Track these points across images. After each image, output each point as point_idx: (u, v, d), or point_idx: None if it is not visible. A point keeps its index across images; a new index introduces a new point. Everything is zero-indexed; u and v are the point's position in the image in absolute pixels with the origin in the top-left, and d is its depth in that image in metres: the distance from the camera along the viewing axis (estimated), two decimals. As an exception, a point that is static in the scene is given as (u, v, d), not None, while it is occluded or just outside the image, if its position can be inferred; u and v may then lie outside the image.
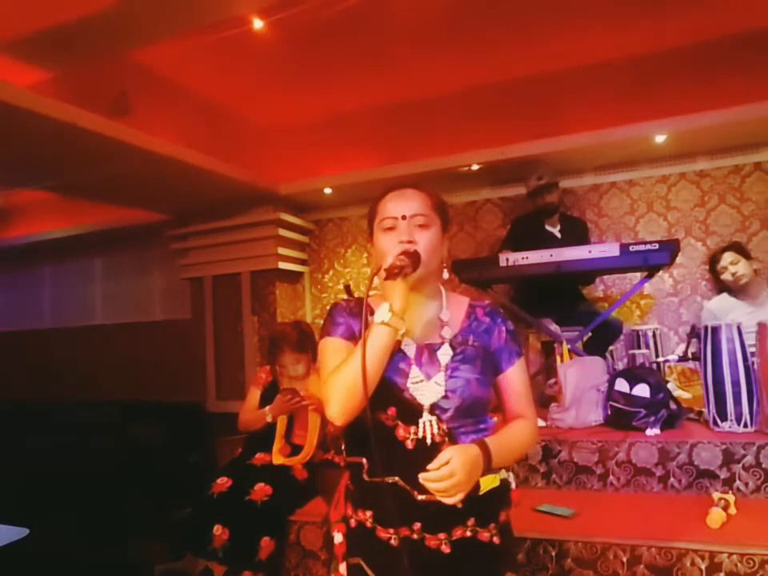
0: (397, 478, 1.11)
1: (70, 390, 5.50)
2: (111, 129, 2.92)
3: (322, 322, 4.28)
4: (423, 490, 1.07)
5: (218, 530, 2.07)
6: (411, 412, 1.13)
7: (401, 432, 1.12)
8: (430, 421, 1.12)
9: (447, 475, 1.00)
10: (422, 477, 1.02)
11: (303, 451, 2.47)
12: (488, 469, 1.08)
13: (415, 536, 1.10)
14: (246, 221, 4.44)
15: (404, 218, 1.17)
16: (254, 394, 2.63)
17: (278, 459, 2.42)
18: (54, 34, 2.79)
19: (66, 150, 3.09)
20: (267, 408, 2.48)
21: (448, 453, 1.02)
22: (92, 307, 5.83)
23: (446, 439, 1.12)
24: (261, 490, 2.21)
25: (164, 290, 5.42)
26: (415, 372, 1.15)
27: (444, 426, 1.13)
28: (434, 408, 1.13)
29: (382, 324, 1.09)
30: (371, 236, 1.26)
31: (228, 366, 4.61)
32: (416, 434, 1.12)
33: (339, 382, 1.09)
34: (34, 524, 2.06)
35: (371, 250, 1.27)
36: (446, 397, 1.13)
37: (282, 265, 4.51)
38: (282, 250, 4.50)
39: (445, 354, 1.17)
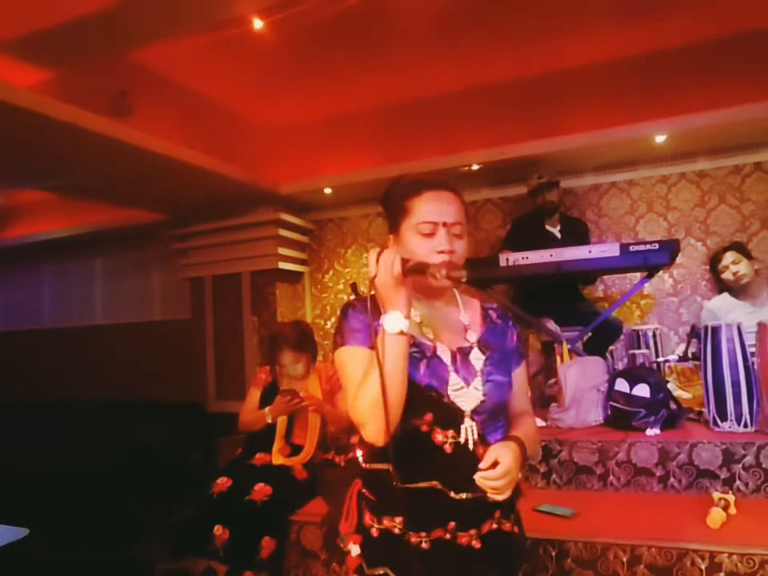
0: (435, 482, 1.10)
1: (70, 390, 5.50)
2: (111, 129, 2.92)
3: (321, 322, 4.28)
4: (461, 490, 1.09)
5: (218, 529, 2.08)
6: (449, 417, 1.12)
7: (438, 437, 1.11)
8: (472, 426, 1.12)
9: (504, 473, 1.02)
10: (479, 477, 1.03)
11: (303, 451, 2.47)
12: (525, 463, 1.12)
13: (448, 536, 1.10)
14: (246, 221, 4.44)
15: (444, 224, 1.14)
16: (254, 395, 2.63)
17: (278, 459, 2.42)
18: (53, 33, 2.78)
19: (65, 150, 3.09)
20: (267, 409, 2.48)
21: (495, 451, 1.05)
22: (92, 307, 5.83)
23: (479, 441, 1.12)
24: (261, 490, 2.21)
25: (164, 289, 5.41)
26: (454, 379, 1.14)
27: (480, 429, 1.14)
28: (473, 413, 1.13)
29: (399, 334, 1.04)
30: (395, 231, 1.19)
31: (228, 365, 4.61)
32: (454, 437, 1.11)
33: (368, 401, 1.03)
34: (33, 524, 2.06)
35: (392, 246, 1.20)
36: (482, 401, 1.14)
37: (282, 265, 4.51)
38: (282, 250, 4.50)
39: (477, 359, 1.17)
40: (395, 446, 1.04)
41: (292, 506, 2.27)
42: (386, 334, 1.04)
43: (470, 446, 1.11)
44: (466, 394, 1.13)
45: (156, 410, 4.73)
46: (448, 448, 1.11)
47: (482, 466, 1.03)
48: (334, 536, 1.30)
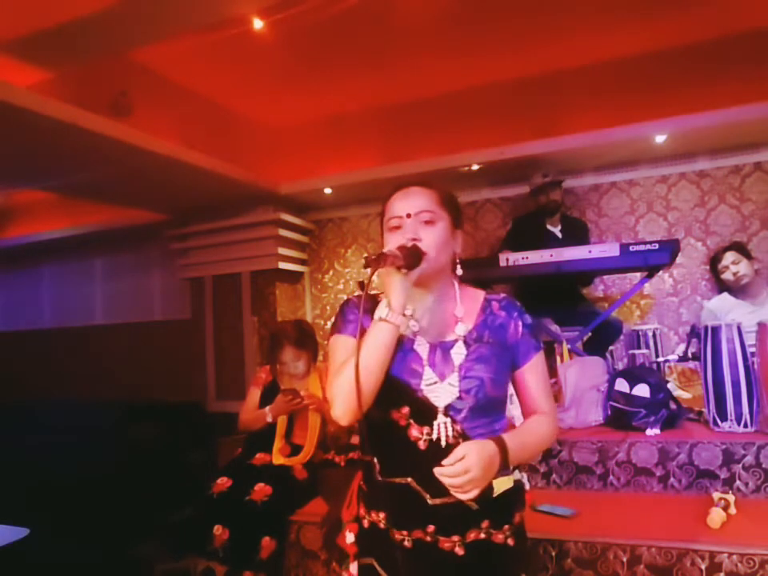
0: (410, 479, 1.10)
1: (70, 390, 5.50)
2: (111, 129, 2.92)
3: (322, 322, 4.29)
4: (436, 491, 1.06)
5: (218, 530, 2.08)
6: (425, 412, 1.11)
7: (413, 432, 1.11)
8: (445, 423, 1.10)
9: (462, 471, 0.98)
10: (437, 471, 1.01)
11: (303, 451, 2.47)
12: (505, 465, 1.06)
13: (428, 538, 1.09)
14: (246, 221, 4.44)
15: (408, 215, 1.16)
16: (254, 394, 2.63)
17: (278, 459, 2.42)
18: (54, 34, 2.78)
19: (66, 150, 3.09)
20: (267, 408, 2.48)
21: (463, 448, 1.01)
22: (92, 307, 5.82)
23: (460, 440, 1.09)
24: (261, 490, 2.21)
25: (164, 290, 5.41)
26: (428, 373, 1.13)
27: (458, 427, 1.11)
28: (448, 409, 1.11)
29: (380, 321, 1.08)
30: (382, 236, 1.25)
31: (228, 365, 4.61)
32: (429, 434, 1.10)
33: (341, 381, 1.07)
34: (34, 524, 2.06)
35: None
36: (459, 397, 1.11)
37: (282, 265, 4.51)
38: (282, 250, 4.50)
39: (458, 354, 1.15)
40: (375, 440, 1.06)
41: (292, 505, 2.27)
42: (373, 322, 1.10)
43: (442, 444, 1.09)
44: (439, 389, 1.12)
45: (156, 409, 4.72)
46: (422, 444, 1.10)
47: (444, 462, 1.00)
48: (334, 535, 1.30)
